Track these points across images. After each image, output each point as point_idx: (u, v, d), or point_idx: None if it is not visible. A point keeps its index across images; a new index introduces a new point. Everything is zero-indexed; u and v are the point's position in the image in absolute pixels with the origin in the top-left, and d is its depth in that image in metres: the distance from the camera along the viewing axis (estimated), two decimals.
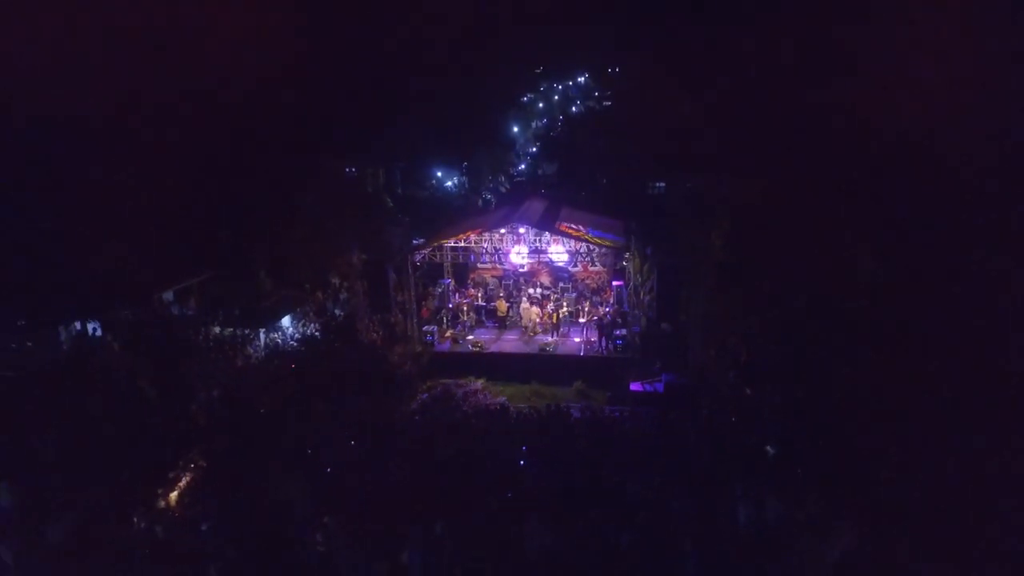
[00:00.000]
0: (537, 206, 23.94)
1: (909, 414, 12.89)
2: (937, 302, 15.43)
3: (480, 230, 22.21)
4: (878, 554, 9.81)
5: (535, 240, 22.84)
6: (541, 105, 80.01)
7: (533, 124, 72.23)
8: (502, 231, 22.48)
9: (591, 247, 22.74)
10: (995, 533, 9.78)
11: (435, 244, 22.04)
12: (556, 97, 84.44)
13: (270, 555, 12.50)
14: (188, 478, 14.92)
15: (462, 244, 22.43)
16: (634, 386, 18.74)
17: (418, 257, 22.00)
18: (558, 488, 13.66)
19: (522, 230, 22.80)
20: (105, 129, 27.86)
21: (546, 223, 22.23)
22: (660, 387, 18.04)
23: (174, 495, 14.76)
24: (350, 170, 46.67)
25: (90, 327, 23.07)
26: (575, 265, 23.15)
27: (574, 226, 22.22)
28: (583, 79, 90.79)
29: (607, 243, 21.50)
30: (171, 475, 15.07)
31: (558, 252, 22.10)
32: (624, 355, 20.29)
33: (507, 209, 23.89)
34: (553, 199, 25.64)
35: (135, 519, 13.45)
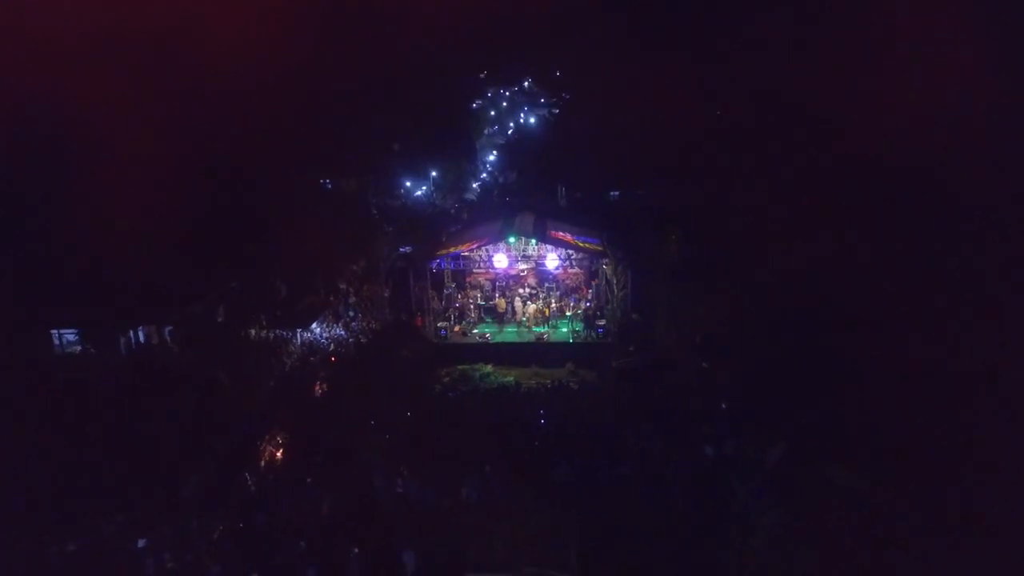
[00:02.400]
0: (528, 218, 28.39)
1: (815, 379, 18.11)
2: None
3: (486, 240, 26.54)
4: (798, 460, 14.87)
5: (524, 248, 27.37)
6: (493, 113, 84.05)
7: (485, 131, 76.19)
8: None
9: (570, 252, 27.35)
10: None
11: (444, 252, 26.22)
12: (505, 104, 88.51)
13: (361, 498, 16.43)
14: (274, 446, 18.66)
15: (465, 252, 26.69)
16: (614, 364, 23.44)
17: (433, 264, 26.11)
18: (571, 438, 18.18)
19: (512, 239, 27.24)
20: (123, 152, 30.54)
21: (539, 232, 26.84)
22: (637, 364, 22.81)
23: (262, 462, 18.48)
24: (324, 182, 49.75)
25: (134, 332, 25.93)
26: (560, 269, 27.74)
27: (563, 234, 26.92)
28: (527, 83, 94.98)
29: (591, 247, 26.25)
30: (259, 446, 18.79)
31: (552, 260, 26.75)
32: (605, 341, 24.99)
33: (503, 221, 28.19)
34: (539, 212, 30.15)
35: (246, 476, 17.14)
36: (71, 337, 25.20)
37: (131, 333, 24.71)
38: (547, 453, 17.67)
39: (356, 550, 14.40)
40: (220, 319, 26.96)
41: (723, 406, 19.82)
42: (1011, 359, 16.19)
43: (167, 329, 24.99)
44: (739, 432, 17.64)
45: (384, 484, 16.77)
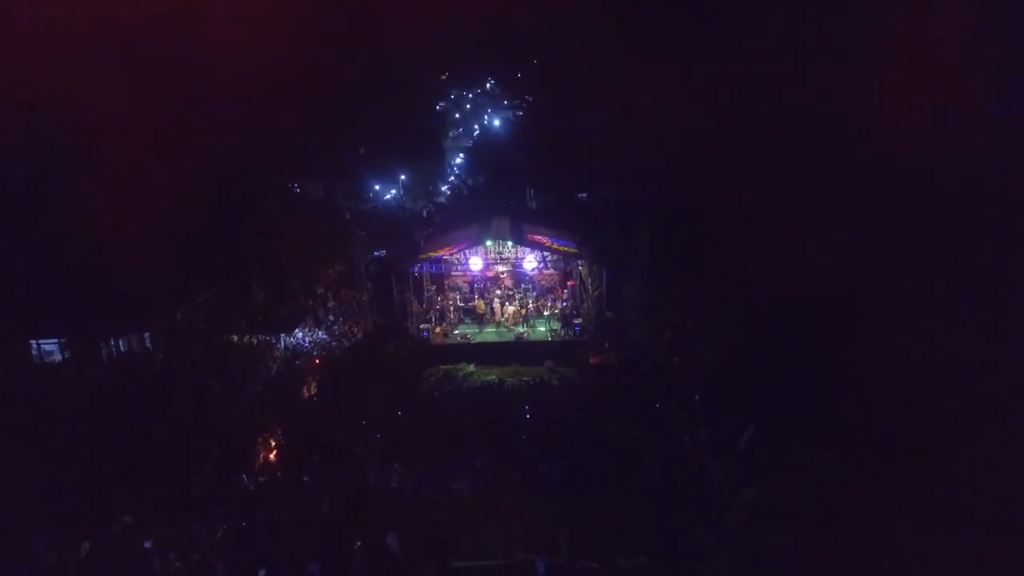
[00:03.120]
0: (504, 222, 29.39)
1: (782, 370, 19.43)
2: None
3: (465, 244, 27.40)
4: (766, 442, 16.13)
5: (501, 250, 28.33)
6: (457, 115, 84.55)
7: (451, 133, 76.77)
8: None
9: (545, 254, 28.42)
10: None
11: (426, 257, 26.98)
12: (468, 106, 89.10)
13: (357, 494, 17.11)
14: (269, 447, 19.20)
15: (445, 256, 27.52)
16: (592, 361, 24.58)
17: (414, 268, 26.84)
18: (557, 430, 19.20)
19: (489, 243, 28.17)
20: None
21: (517, 235, 27.86)
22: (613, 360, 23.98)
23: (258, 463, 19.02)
24: (293, 186, 49.80)
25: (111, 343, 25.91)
26: (537, 270, 28.80)
27: (539, 237, 27.99)
28: (489, 85, 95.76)
29: (567, 250, 27.38)
30: (255, 447, 19.28)
31: (530, 262, 27.77)
32: (581, 339, 26.14)
33: (480, 226, 29.12)
34: (513, 215, 31.18)
35: (243, 476, 17.65)
36: (49, 347, 25.13)
37: (112, 342, 24.74)
38: (534, 446, 18.63)
39: (359, 543, 15.07)
40: (201, 326, 27.15)
41: (696, 397, 21.12)
42: (983, 348, 17.60)
43: (147, 337, 25.14)
44: (712, 420, 18.88)
45: (379, 480, 17.49)
